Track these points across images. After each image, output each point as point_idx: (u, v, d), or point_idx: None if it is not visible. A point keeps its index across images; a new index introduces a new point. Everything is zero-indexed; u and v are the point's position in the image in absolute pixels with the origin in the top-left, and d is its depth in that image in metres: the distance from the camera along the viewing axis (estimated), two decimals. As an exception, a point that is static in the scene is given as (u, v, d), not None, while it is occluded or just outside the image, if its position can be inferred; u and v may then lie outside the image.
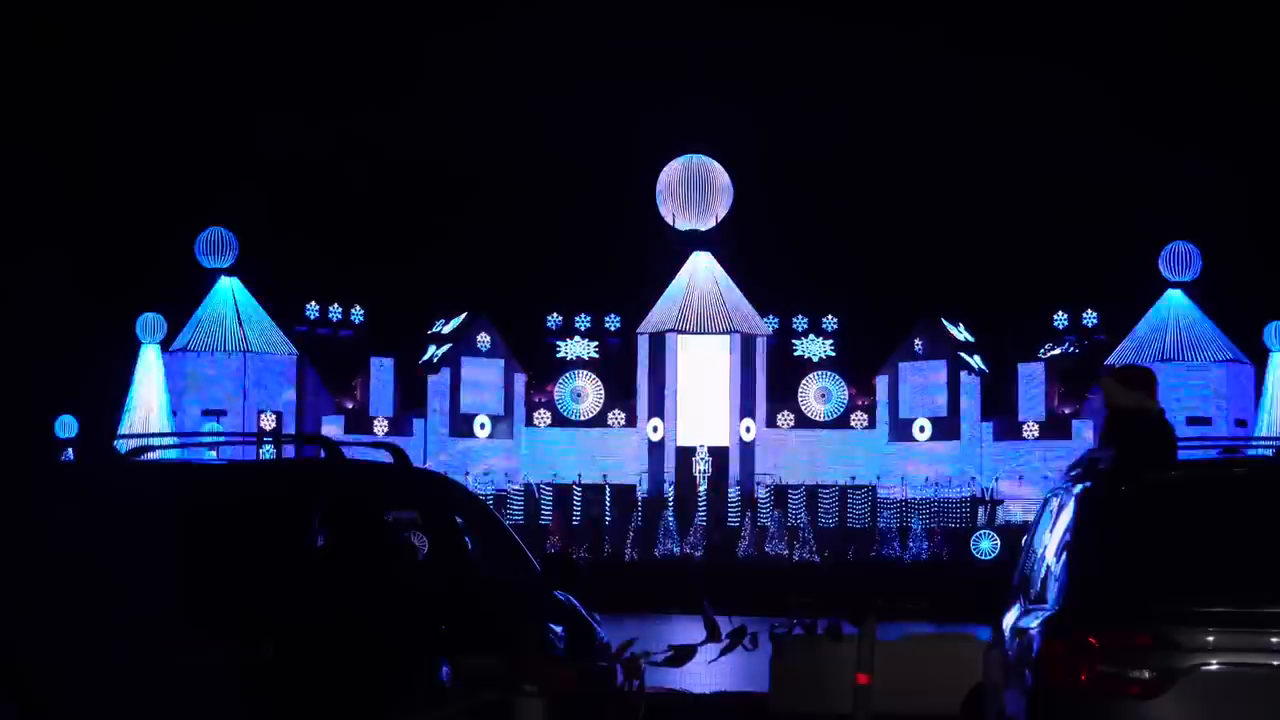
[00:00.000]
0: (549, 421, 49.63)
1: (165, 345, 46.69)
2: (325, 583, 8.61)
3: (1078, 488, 8.99)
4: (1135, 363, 44.67)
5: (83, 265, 49.32)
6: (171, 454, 10.90)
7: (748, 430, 48.79)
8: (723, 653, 8.96)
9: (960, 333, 49.22)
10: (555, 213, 54.48)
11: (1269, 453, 10.16)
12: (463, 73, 57.70)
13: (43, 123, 51.77)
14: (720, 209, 50.45)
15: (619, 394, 49.72)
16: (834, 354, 50.26)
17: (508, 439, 49.19)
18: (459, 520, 10.25)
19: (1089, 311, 48.77)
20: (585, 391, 49.90)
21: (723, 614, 8.91)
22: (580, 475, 47.41)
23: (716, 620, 8.80)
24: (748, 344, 49.22)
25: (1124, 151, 53.58)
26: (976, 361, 48.65)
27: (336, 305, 49.06)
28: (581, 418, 49.73)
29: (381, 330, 49.35)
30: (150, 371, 46.16)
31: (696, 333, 49.03)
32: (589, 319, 50.59)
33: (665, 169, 50.71)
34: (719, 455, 48.24)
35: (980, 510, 45.28)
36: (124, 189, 51.74)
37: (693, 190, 50.30)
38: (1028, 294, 49.78)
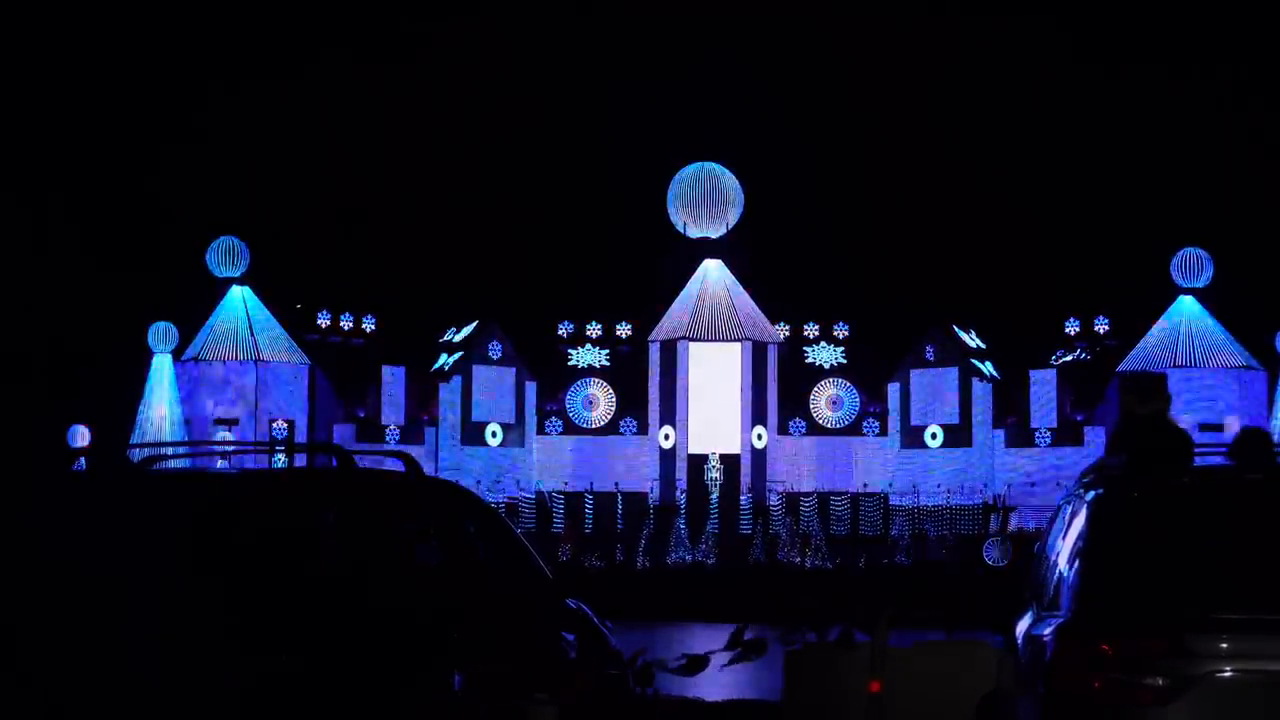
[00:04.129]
0: (561, 429, 49.61)
1: (177, 354, 46.75)
2: (338, 591, 8.62)
3: (1090, 494, 8.98)
4: (1147, 369, 44.67)
5: (95, 274, 49.44)
6: (184, 463, 10.92)
7: (759, 438, 48.75)
8: (731, 661, 8.96)
9: (971, 339, 49.17)
10: (566, 221, 54.56)
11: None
12: (473, 80, 57.77)
13: (54, 132, 51.89)
14: (731, 216, 50.43)
15: (631, 402, 49.69)
16: (845, 361, 50.24)
17: (519, 447, 49.17)
18: (471, 528, 10.26)
19: (1100, 318, 48.70)
20: (597, 399, 49.89)
21: (742, 625, 8.91)
22: (592, 483, 47.39)
23: (745, 633, 8.79)
24: (759, 351, 49.19)
25: (1135, 157, 53.55)
26: (988, 368, 48.60)
27: (348, 314, 49.10)
28: (593, 425, 49.72)
29: (393, 338, 49.39)
30: (162, 380, 46.22)
31: (708, 340, 49.00)
32: (600, 327, 50.58)
33: (677, 176, 50.70)
34: (731, 463, 48.20)
35: (992, 517, 45.20)
36: (136, 197, 51.85)
37: (704, 198, 50.28)
38: (1039, 300, 49.75)
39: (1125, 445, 9.54)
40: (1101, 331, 48.68)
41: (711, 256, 50.33)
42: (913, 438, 49.01)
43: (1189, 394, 44.52)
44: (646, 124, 52.54)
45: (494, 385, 48.98)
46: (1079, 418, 47.33)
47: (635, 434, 49.40)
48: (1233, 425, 42.73)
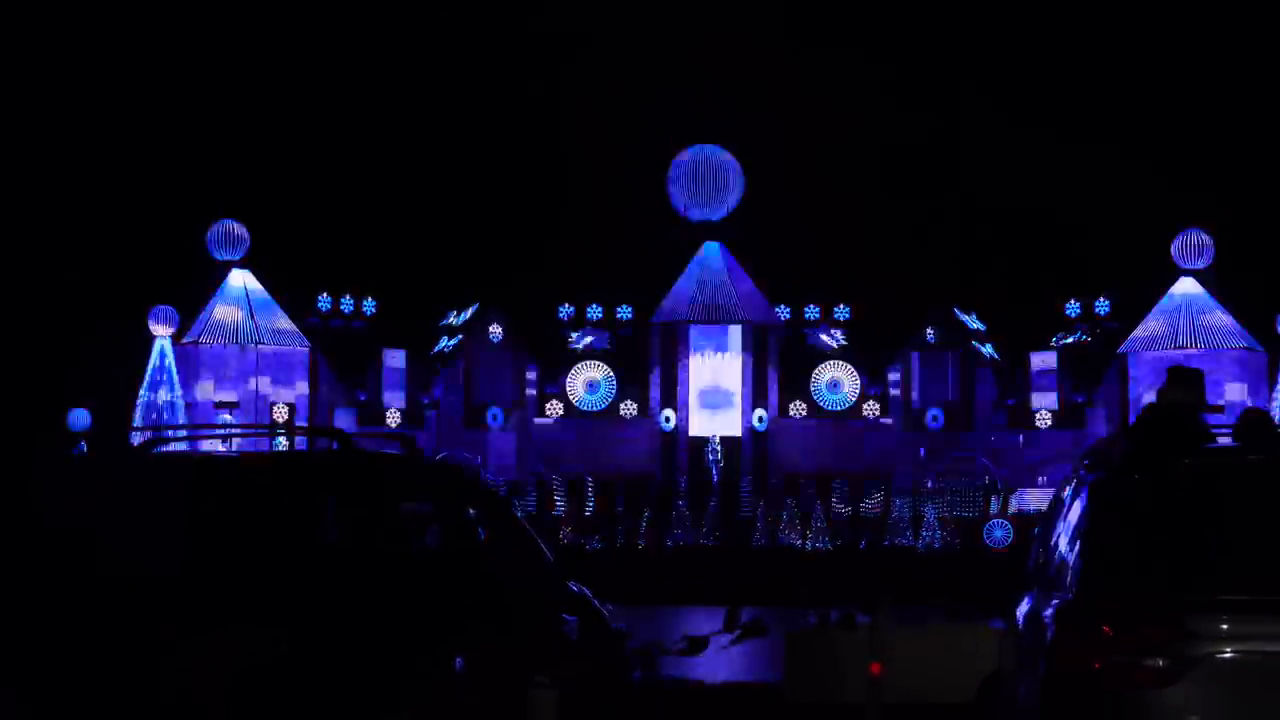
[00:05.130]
0: (561, 412, 49.63)
1: (177, 337, 46.72)
2: (339, 574, 8.62)
3: (1091, 476, 8.98)
4: (1149, 351, 44.72)
5: (94, 258, 49.43)
6: (184, 446, 10.91)
7: (760, 420, 48.76)
8: (734, 642, 8.98)
9: (972, 321, 49.16)
10: (566, 203, 54.50)
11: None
12: (473, 61, 57.71)
13: (53, 115, 51.85)
14: (732, 198, 50.39)
15: (631, 384, 49.69)
16: (846, 343, 50.23)
17: (520, 430, 49.20)
18: (471, 511, 10.26)
19: (1101, 299, 48.67)
20: (597, 382, 49.90)
21: (734, 607, 8.94)
22: (593, 466, 47.38)
23: (739, 614, 8.82)
24: (760, 334, 49.19)
25: (1136, 138, 53.50)
26: (988, 350, 48.60)
27: (348, 297, 49.08)
28: (594, 408, 49.74)
29: (393, 322, 49.37)
30: (162, 364, 46.19)
31: (709, 322, 49.01)
32: (601, 309, 50.56)
33: (677, 158, 50.65)
34: (731, 445, 48.21)
35: (993, 499, 45.23)
36: (135, 181, 51.83)
37: (704, 179, 50.24)
38: (1039, 282, 49.72)
39: (1134, 432, 9.53)
40: (1102, 314, 48.65)
41: (712, 239, 50.30)
42: (913, 420, 49.02)
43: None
44: (647, 106, 52.48)
45: (495, 368, 48.99)
46: (1079, 400, 47.34)
47: (636, 416, 49.41)
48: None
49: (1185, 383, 9.84)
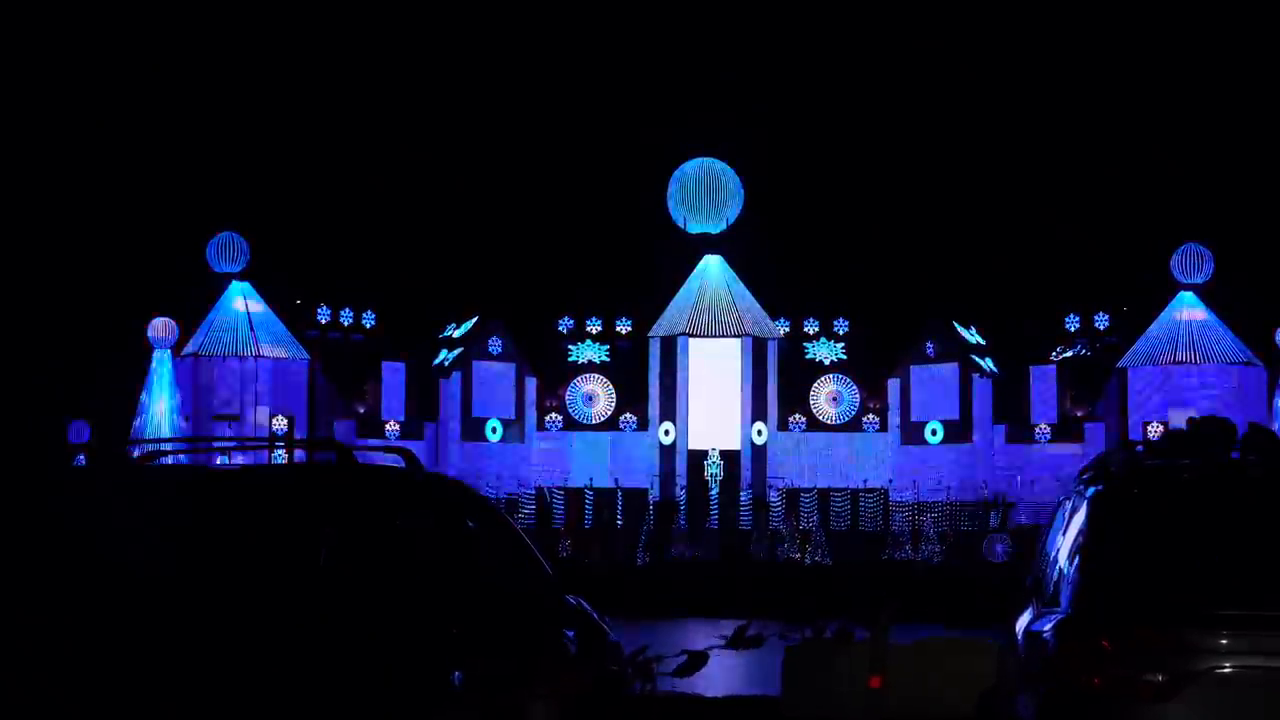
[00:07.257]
0: (561, 425, 49.60)
1: (177, 350, 46.74)
2: (336, 587, 8.60)
3: (1090, 490, 8.96)
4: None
5: (95, 270, 49.44)
6: (183, 458, 10.89)
7: (759, 433, 48.74)
8: (727, 645, 8.96)
9: (971, 335, 49.16)
10: (567, 216, 54.55)
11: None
12: (475, 75, 57.80)
13: (54, 126, 51.89)
14: (731, 212, 50.42)
15: (631, 398, 49.68)
16: (845, 357, 50.23)
17: (519, 442, 49.16)
18: (470, 524, 10.24)
19: (1100, 314, 48.69)
20: (597, 395, 49.88)
21: (745, 624, 8.91)
22: (592, 479, 47.38)
23: (748, 633, 8.79)
24: (759, 347, 49.18)
25: (1136, 152, 53.57)
26: (988, 364, 48.59)
27: (348, 309, 49.10)
28: (593, 421, 49.71)
29: (393, 334, 49.39)
30: (162, 376, 46.21)
31: (708, 336, 49.00)
32: (600, 322, 50.57)
33: (677, 172, 50.69)
34: (730, 458, 48.19)
35: (992, 513, 45.22)
36: (136, 193, 51.86)
37: (704, 193, 50.27)
38: (1039, 296, 49.75)
39: (1165, 441, 9.48)
40: (1102, 328, 48.66)
41: (711, 252, 50.33)
42: (913, 434, 49.00)
43: (1189, 390, 44.54)
44: (647, 119, 52.54)
45: (494, 381, 48.97)
46: (1079, 414, 47.34)
47: (635, 430, 49.38)
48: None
49: (1214, 424, 9.81)
